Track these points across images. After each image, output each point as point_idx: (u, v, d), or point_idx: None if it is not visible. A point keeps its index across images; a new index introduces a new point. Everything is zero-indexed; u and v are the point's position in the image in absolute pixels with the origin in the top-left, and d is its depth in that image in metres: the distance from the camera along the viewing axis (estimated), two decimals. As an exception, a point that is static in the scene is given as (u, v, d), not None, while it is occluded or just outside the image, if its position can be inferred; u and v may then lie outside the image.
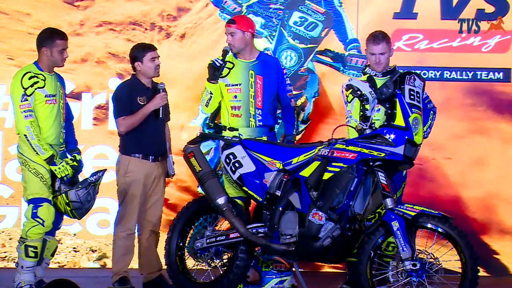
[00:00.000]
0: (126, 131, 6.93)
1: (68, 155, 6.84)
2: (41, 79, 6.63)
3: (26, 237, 6.60)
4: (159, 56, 6.98)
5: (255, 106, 6.88)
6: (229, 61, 6.93)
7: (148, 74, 6.95)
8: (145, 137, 6.92)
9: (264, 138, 6.84)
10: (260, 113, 6.88)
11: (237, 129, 6.87)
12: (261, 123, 6.89)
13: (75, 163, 6.78)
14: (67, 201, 6.59)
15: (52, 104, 6.67)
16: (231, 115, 6.90)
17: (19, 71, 6.70)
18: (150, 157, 6.95)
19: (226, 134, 6.88)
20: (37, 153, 6.54)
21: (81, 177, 6.90)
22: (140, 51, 6.95)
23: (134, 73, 7.00)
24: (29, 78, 6.59)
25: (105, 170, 6.90)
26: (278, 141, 7.08)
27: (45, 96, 6.63)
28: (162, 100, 6.92)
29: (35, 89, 6.59)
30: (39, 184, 6.61)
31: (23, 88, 6.58)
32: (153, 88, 6.97)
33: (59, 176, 6.59)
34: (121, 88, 7.04)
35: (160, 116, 6.92)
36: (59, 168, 6.59)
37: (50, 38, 6.69)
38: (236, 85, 6.89)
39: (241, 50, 6.90)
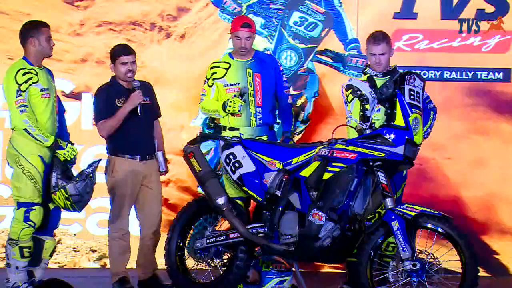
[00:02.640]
0: (107, 134, 6.87)
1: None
2: (34, 74, 6.60)
3: (19, 239, 6.59)
4: (134, 61, 6.85)
5: (255, 105, 6.88)
6: (224, 61, 6.94)
7: (118, 77, 6.90)
8: (129, 137, 6.87)
9: (265, 138, 6.84)
10: (260, 111, 6.89)
11: (237, 129, 6.87)
12: (261, 121, 6.89)
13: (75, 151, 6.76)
14: (67, 195, 6.57)
15: (47, 98, 6.65)
16: (230, 114, 6.90)
17: (11, 68, 6.64)
18: (137, 156, 6.91)
19: (226, 134, 6.87)
20: (40, 142, 6.51)
21: (74, 171, 6.86)
22: (113, 54, 6.89)
23: (114, 74, 6.97)
24: (23, 74, 6.56)
25: (100, 160, 6.86)
26: (278, 140, 7.07)
27: (40, 90, 6.60)
28: (138, 99, 6.82)
29: (30, 84, 6.56)
30: (32, 189, 6.58)
31: (17, 84, 6.54)
32: (132, 88, 6.91)
33: (68, 159, 6.58)
34: (98, 92, 6.97)
35: (139, 114, 6.86)
36: (67, 151, 6.60)
37: (36, 27, 6.66)
38: (235, 84, 6.89)
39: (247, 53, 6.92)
